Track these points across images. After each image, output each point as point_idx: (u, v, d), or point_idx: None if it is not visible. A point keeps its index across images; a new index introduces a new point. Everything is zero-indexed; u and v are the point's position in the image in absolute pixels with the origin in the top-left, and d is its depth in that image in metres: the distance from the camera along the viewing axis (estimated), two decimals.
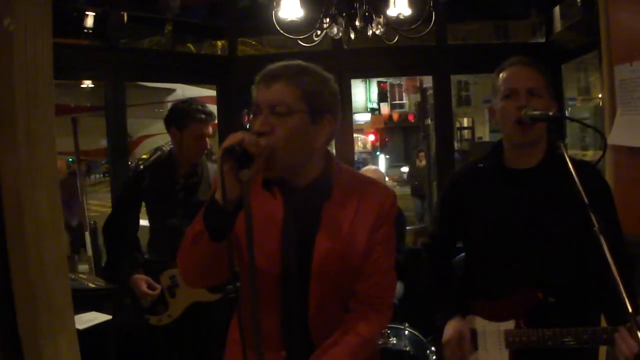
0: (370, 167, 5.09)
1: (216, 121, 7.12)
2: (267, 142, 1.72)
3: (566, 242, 2.21)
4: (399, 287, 4.67)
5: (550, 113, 2.12)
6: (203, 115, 3.43)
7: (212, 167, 3.51)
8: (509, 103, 2.22)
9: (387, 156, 28.44)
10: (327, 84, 1.89)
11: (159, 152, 3.37)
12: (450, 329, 2.30)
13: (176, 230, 3.34)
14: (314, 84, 1.84)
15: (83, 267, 8.29)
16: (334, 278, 1.90)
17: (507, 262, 2.27)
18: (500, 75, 2.30)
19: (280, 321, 1.94)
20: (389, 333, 3.88)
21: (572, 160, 1.98)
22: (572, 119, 2.53)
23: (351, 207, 1.90)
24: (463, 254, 2.58)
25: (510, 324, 2.23)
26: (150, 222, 3.56)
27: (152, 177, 3.43)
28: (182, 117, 3.42)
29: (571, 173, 1.92)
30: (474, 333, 2.32)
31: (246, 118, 1.85)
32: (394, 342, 3.82)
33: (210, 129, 3.46)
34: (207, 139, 3.44)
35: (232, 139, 1.62)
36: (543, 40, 5.73)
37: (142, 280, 3.32)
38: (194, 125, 3.39)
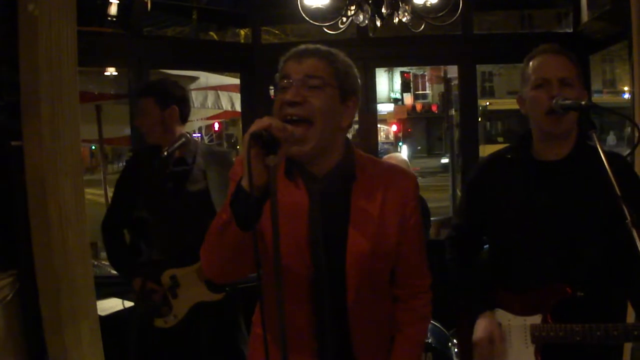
0: (394, 154, 5.02)
1: (238, 109, 7.14)
2: (301, 111, 1.72)
3: (596, 235, 2.14)
4: None
5: (583, 102, 2.06)
6: (136, 92, 3.37)
7: (206, 151, 3.41)
8: (541, 92, 2.14)
9: (415, 148, 28.35)
10: (353, 67, 1.90)
11: (183, 139, 3.25)
12: (481, 328, 2.24)
13: (169, 224, 3.27)
14: (344, 64, 1.85)
15: (105, 254, 8.33)
16: (369, 265, 1.86)
17: (535, 255, 2.20)
18: (531, 63, 2.23)
19: (312, 320, 1.88)
20: None
21: (603, 151, 1.90)
22: (605, 109, 2.46)
23: (378, 190, 1.88)
24: (486, 246, 2.52)
25: (536, 319, 2.17)
26: (143, 214, 3.35)
27: (145, 164, 3.31)
28: (164, 94, 3.33)
29: (603, 164, 1.85)
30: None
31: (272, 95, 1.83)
32: None
33: (145, 104, 3.27)
34: (141, 115, 3.29)
35: (259, 124, 1.56)
36: (570, 30, 5.63)
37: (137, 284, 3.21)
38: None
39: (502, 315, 2.27)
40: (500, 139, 22.80)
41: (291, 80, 1.77)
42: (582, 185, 2.15)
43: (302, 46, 1.85)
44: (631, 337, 1.99)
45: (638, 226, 1.75)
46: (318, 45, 1.85)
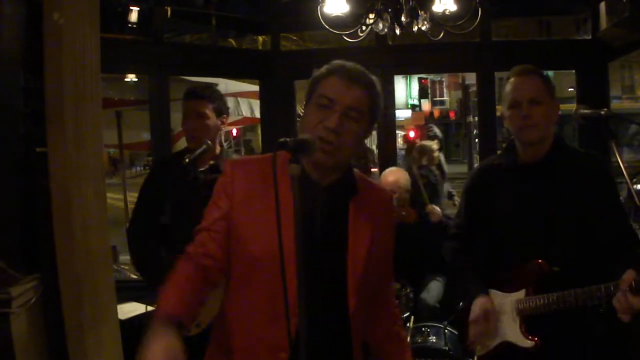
0: (394, 168, 4.94)
1: (257, 116, 7.18)
2: (337, 141, 1.78)
3: (569, 221, 2.45)
4: (439, 287, 4.63)
5: (602, 112, 2.26)
6: (190, 94, 3.33)
7: None
8: (514, 112, 2.48)
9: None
10: (382, 97, 1.95)
11: (204, 146, 3.27)
12: (477, 307, 2.56)
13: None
14: (379, 95, 1.91)
15: (124, 258, 8.39)
16: (367, 272, 1.89)
17: (519, 241, 2.55)
18: (507, 85, 2.57)
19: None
20: (428, 332, 3.85)
21: (578, 151, 2.39)
22: (622, 117, 2.55)
23: (370, 206, 1.96)
24: None
25: (520, 294, 2.52)
26: (169, 221, 3.34)
27: (169, 172, 3.34)
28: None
29: (576, 163, 2.30)
30: None
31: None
32: (434, 340, 3.79)
33: (204, 109, 3.28)
34: (193, 117, 3.28)
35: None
36: (589, 37, 5.60)
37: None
38: (184, 106, 3.32)
39: (493, 295, 2.61)
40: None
41: (334, 105, 1.81)
42: (558, 181, 2.48)
43: (349, 67, 1.87)
44: (595, 298, 2.25)
45: None
46: (363, 71, 1.89)
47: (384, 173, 4.64)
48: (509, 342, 2.55)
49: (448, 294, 4.53)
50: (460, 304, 2.77)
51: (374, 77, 1.91)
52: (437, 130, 7.80)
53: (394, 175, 4.48)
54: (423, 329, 3.90)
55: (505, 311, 2.56)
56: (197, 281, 1.86)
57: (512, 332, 2.54)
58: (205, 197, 3.30)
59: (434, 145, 6.58)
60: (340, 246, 1.88)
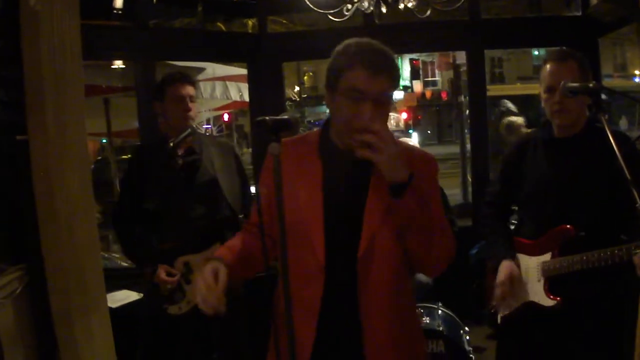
0: (404, 140, 4.98)
1: (247, 100, 7.14)
2: (375, 140, 1.80)
3: (596, 191, 2.67)
4: None
5: (591, 85, 2.36)
6: (176, 76, 3.44)
7: (210, 142, 3.51)
8: (549, 97, 2.71)
9: (425, 135, 28.20)
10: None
11: (189, 130, 3.33)
12: (503, 270, 2.80)
13: (182, 213, 3.31)
14: (399, 71, 2.00)
15: (116, 247, 8.38)
16: (383, 229, 1.97)
17: (548, 208, 2.77)
18: (544, 67, 2.78)
19: (320, 293, 1.99)
20: (422, 312, 3.84)
21: (611, 132, 2.33)
22: (614, 92, 2.60)
23: None
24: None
25: (547, 257, 2.75)
26: (153, 205, 3.43)
27: (152, 157, 3.41)
28: (159, 86, 3.45)
29: (608, 142, 2.23)
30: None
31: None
32: (427, 321, 3.78)
33: (190, 91, 3.41)
34: (187, 100, 3.39)
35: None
36: (579, 13, 5.56)
37: (161, 269, 3.30)
38: (171, 88, 3.38)
39: (521, 258, 2.86)
40: None
41: (364, 96, 1.89)
42: (588, 155, 2.68)
43: (375, 54, 1.92)
44: (617, 257, 2.44)
45: None
46: (386, 53, 1.95)
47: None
48: (532, 301, 2.78)
49: (443, 272, 4.52)
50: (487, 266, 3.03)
51: (392, 55, 1.96)
52: (510, 105, 7.57)
53: None
54: (417, 310, 3.90)
55: (530, 272, 2.80)
56: (250, 244, 2.14)
57: (536, 292, 2.77)
58: (186, 178, 3.38)
59: (520, 120, 6.50)
60: (361, 202, 1.99)
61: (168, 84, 3.39)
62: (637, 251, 2.29)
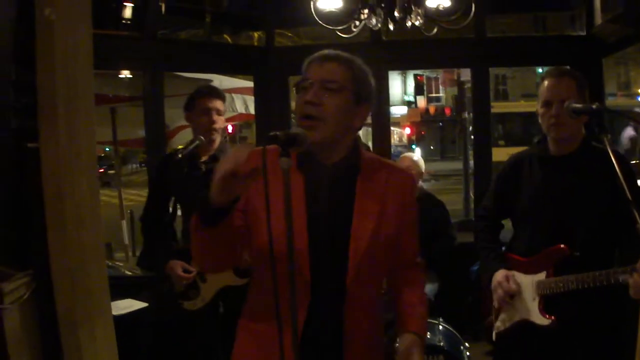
0: (408, 154, 5.07)
1: (252, 112, 7.18)
2: (317, 112, 1.86)
3: (590, 210, 2.67)
4: (435, 281, 4.64)
5: (594, 106, 2.37)
6: (205, 90, 3.63)
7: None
8: (546, 111, 2.71)
9: (428, 151, 28.22)
10: (370, 74, 2.04)
11: (197, 142, 3.44)
12: (498, 276, 2.82)
13: None
14: (362, 71, 2.00)
15: (119, 255, 8.39)
16: (370, 250, 1.95)
17: (543, 226, 2.77)
18: (541, 84, 2.78)
19: (306, 302, 1.93)
20: None
21: (614, 154, 2.34)
22: (616, 112, 2.63)
23: (379, 184, 2.02)
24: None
25: (541, 276, 2.73)
26: (181, 210, 3.68)
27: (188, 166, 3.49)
28: (190, 99, 3.61)
29: (605, 159, 2.27)
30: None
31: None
32: (428, 336, 3.78)
33: (218, 104, 3.56)
34: (213, 113, 3.53)
35: (227, 166, 1.69)
36: (583, 33, 5.60)
37: (178, 265, 3.42)
38: (199, 101, 3.54)
39: (515, 276, 2.82)
40: (501, 142, 22.32)
41: (311, 82, 1.92)
42: (584, 173, 2.69)
43: (325, 51, 1.99)
44: (612, 279, 2.42)
45: None
46: (340, 52, 1.99)
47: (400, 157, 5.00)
48: (527, 320, 2.76)
49: (444, 287, 4.55)
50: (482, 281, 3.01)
51: (353, 56, 1.99)
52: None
53: (408, 161, 4.73)
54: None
55: (525, 291, 2.78)
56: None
57: (530, 310, 2.75)
58: (207, 185, 3.49)
59: None
60: (345, 222, 1.96)
61: (198, 97, 3.56)
62: (633, 273, 2.26)
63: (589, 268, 2.53)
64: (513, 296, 2.80)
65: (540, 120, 2.79)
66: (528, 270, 2.79)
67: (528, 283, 2.77)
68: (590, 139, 2.73)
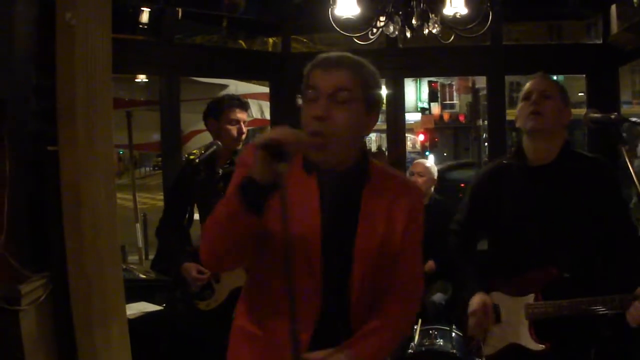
0: (421, 160, 5.07)
1: (267, 118, 7.19)
2: (326, 128, 1.75)
3: (577, 226, 2.53)
4: (447, 287, 4.64)
5: (612, 116, 2.31)
6: (236, 101, 3.70)
7: None
8: (525, 104, 2.59)
9: (442, 157, 28.11)
10: (377, 75, 1.92)
11: (214, 147, 3.48)
12: (476, 301, 2.61)
13: None
14: (371, 74, 1.88)
15: (133, 258, 8.44)
16: (375, 261, 1.91)
17: (527, 244, 2.60)
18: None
19: (314, 310, 1.90)
20: (435, 334, 3.84)
21: (586, 156, 2.47)
22: (633, 122, 2.55)
23: (387, 195, 1.93)
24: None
25: (529, 298, 2.56)
26: (199, 215, 3.72)
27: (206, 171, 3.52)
28: (218, 106, 3.67)
29: (585, 167, 2.39)
30: (496, 307, 2.64)
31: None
32: (441, 343, 3.77)
33: (245, 116, 3.68)
34: (242, 124, 3.64)
35: (273, 135, 1.62)
36: (599, 41, 5.58)
37: (192, 267, 3.46)
38: (229, 111, 3.61)
39: (499, 297, 2.65)
40: None
41: (319, 93, 1.80)
42: (566, 184, 2.54)
43: (330, 55, 1.85)
44: (609, 307, 2.35)
45: None
46: (345, 54, 1.87)
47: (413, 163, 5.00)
48: (517, 344, 2.59)
49: (456, 294, 4.55)
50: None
51: (360, 59, 1.87)
52: None
53: (421, 167, 4.75)
54: (430, 331, 3.89)
55: (513, 314, 2.60)
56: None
57: (521, 335, 2.57)
58: (224, 187, 3.59)
59: None
60: (350, 233, 1.90)
61: (228, 107, 3.64)
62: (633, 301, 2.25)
63: (579, 289, 2.44)
64: (487, 330, 2.64)
65: (517, 124, 2.66)
66: (513, 291, 2.63)
67: (515, 306, 2.60)
68: (570, 144, 2.60)
